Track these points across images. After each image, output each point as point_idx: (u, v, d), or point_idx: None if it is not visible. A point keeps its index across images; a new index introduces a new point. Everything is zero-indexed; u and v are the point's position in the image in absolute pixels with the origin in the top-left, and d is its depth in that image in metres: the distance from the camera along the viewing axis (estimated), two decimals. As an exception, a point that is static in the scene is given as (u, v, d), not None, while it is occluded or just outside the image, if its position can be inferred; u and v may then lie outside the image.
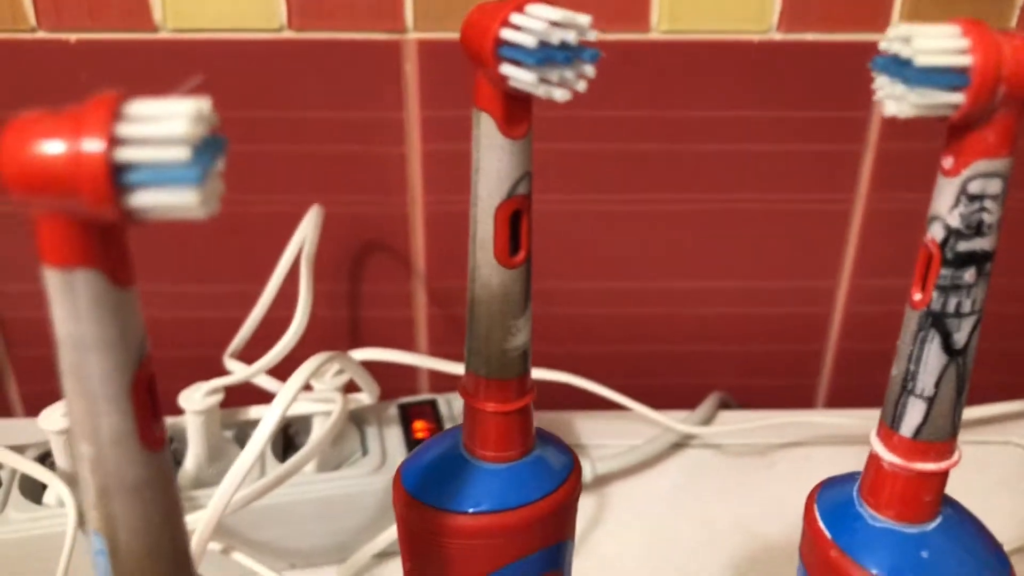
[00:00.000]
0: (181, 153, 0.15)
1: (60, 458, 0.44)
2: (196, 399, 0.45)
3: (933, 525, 0.24)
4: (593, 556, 0.47)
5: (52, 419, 0.43)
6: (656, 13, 0.50)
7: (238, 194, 0.52)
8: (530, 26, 0.19)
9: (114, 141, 0.15)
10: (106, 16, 0.48)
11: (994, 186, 0.20)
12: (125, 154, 0.15)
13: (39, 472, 0.43)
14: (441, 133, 0.52)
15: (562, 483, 0.26)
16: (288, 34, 0.50)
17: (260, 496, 0.41)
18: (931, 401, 0.22)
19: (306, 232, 0.50)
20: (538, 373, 0.51)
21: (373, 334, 0.58)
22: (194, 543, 0.39)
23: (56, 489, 0.42)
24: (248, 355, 0.48)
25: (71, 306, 0.16)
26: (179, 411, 0.45)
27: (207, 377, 0.46)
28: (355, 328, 0.58)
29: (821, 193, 0.55)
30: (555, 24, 0.19)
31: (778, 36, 0.51)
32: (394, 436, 0.49)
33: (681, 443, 0.54)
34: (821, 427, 0.54)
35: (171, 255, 0.55)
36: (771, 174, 0.54)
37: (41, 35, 0.49)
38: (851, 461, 0.51)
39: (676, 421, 0.54)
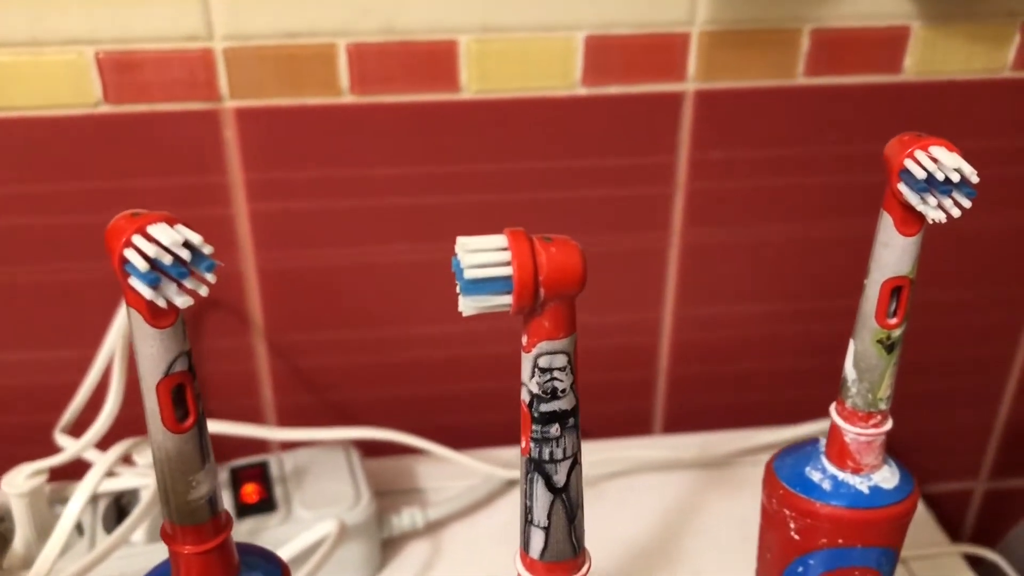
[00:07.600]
0: None
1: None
2: (18, 482, 0.48)
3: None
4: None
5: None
6: (465, 75, 0.54)
7: (66, 263, 0.56)
8: (146, 250, 0.23)
9: None
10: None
11: (560, 360, 0.25)
12: None
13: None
14: (266, 193, 0.56)
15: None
16: (105, 108, 0.53)
17: (90, 570, 0.45)
18: (547, 530, 0.27)
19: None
20: (366, 432, 0.56)
21: (217, 391, 0.62)
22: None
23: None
24: (84, 421, 0.52)
25: None
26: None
27: (41, 444, 0.50)
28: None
29: (639, 232, 0.59)
30: (168, 249, 0.23)
31: (583, 91, 0.55)
32: (224, 502, 0.53)
33: (514, 480, 0.59)
34: (641, 459, 0.60)
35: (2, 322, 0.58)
36: (590, 218, 0.58)
37: None
38: (669, 487, 0.56)
39: (503, 465, 0.58)
